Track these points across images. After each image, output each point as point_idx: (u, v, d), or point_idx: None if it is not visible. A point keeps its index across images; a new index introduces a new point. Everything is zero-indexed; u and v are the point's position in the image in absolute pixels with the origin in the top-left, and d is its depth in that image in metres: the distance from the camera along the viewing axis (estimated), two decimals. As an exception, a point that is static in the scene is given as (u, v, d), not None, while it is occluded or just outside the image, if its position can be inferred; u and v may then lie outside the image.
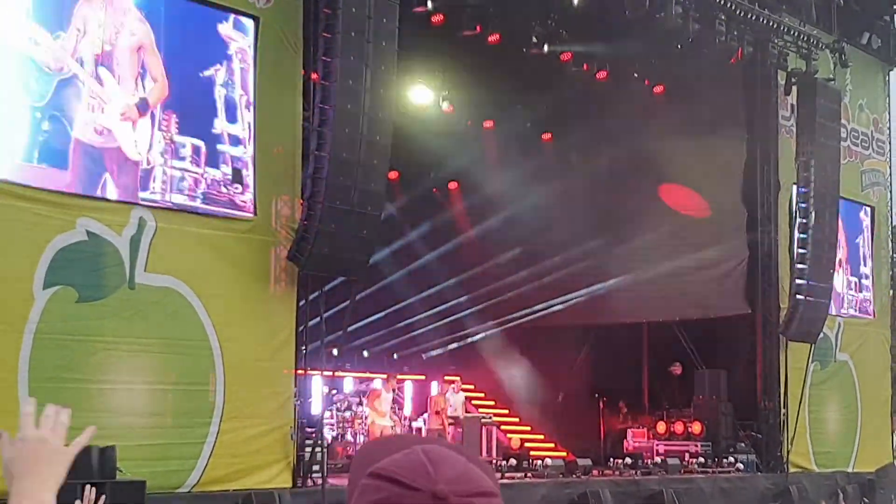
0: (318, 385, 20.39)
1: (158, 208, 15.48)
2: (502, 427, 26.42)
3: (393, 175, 21.42)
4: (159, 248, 15.29)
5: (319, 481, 16.80)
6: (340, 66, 16.42)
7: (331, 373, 20.36)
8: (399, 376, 24.72)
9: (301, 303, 17.18)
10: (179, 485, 15.18)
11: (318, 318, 17.41)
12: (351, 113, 16.53)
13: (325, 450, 17.62)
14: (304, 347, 17.35)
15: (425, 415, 24.02)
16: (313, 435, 17.66)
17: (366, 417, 21.90)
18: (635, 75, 25.40)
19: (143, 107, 15.43)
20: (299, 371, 17.21)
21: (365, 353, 25.60)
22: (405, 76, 17.56)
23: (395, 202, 24.92)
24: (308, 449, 17.11)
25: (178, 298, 15.44)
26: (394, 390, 23.01)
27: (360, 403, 22.30)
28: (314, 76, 16.99)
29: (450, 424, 23.16)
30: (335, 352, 19.95)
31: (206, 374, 15.68)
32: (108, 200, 15.00)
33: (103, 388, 14.68)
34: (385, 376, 23.97)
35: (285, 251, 16.71)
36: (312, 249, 16.46)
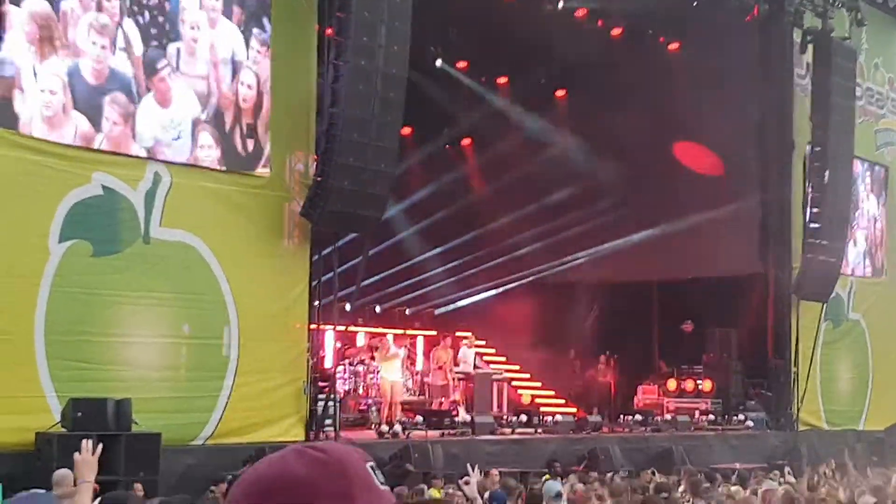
0: (330, 340, 20.52)
1: (174, 163, 15.54)
2: (513, 383, 26.55)
3: (406, 131, 21.41)
4: (174, 203, 15.38)
5: (332, 434, 16.97)
6: (355, 21, 16.41)
7: (343, 328, 20.48)
8: (410, 332, 24.84)
9: (314, 258, 17.28)
10: (194, 437, 15.36)
11: (331, 274, 17.51)
12: (365, 69, 16.53)
13: (337, 403, 17.79)
14: (317, 302, 17.46)
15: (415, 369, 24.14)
16: (326, 389, 17.82)
17: (377, 372, 22.04)
18: (650, 32, 25.29)
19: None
20: (312, 326, 17.33)
21: (377, 309, 25.70)
22: (420, 33, 17.46)
23: (409, 158, 24.92)
24: (321, 403, 17.26)
25: (192, 253, 15.55)
26: (406, 346, 23.12)
27: (373, 358, 22.42)
28: (329, 31, 16.98)
29: (461, 380, 23.26)
30: (348, 307, 20.05)
31: (220, 329, 15.82)
32: (123, 155, 15.06)
33: (118, 342, 14.83)
34: (397, 332, 24.12)
35: (299, 207, 16.79)
36: (326, 205, 16.53)
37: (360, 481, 1.86)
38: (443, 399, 22.87)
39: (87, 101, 14.72)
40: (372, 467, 1.90)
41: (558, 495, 12.47)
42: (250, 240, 16.37)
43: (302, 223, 16.93)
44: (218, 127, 16.16)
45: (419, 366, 24.33)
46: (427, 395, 23.26)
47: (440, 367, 23.16)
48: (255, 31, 16.69)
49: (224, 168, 16.16)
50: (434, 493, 14.15)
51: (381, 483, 1.90)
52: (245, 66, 16.56)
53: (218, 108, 16.20)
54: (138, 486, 12.73)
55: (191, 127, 15.85)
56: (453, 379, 23.17)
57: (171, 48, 15.70)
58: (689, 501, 12.83)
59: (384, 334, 23.60)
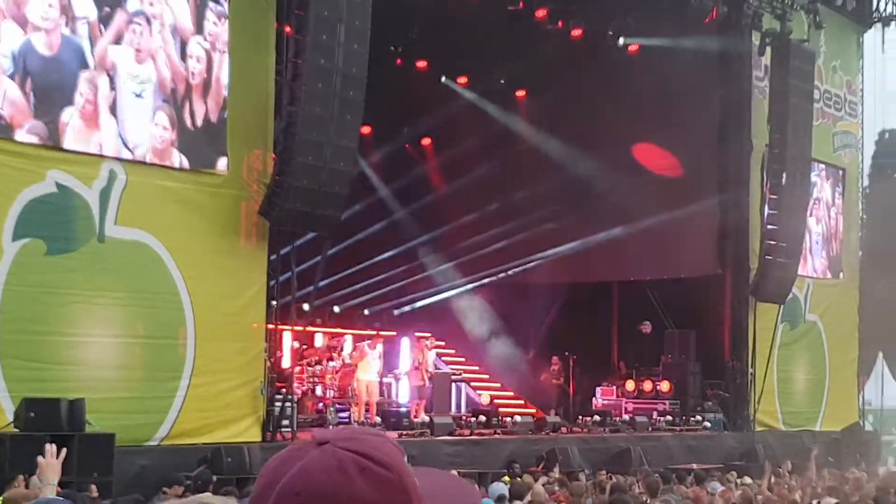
0: (288, 340, 20.41)
1: (129, 161, 15.38)
2: (472, 384, 26.54)
3: (366, 130, 21.34)
4: (130, 202, 15.23)
5: (289, 435, 16.86)
6: (314, 19, 16.33)
7: (301, 328, 20.38)
8: (369, 332, 24.74)
9: (272, 258, 17.17)
10: (149, 438, 15.22)
11: (290, 274, 17.41)
12: (324, 68, 16.45)
13: (294, 404, 17.67)
14: (274, 302, 17.37)
15: (398, 371, 24.05)
16: (283, 390, 17.71)
17: (336, 372, 21.96)
18: (610, 34, 25.33)
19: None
20: (269, 326, 17.22)
21: (336, 309, 25.60)
22: (379, 31, 17.40)
23: (368, 158, 24.84)
24: (278, 403, 17.15)
25: (147, 252, 15.40)
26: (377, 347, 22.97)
27: (331, 359, 22.33)
28: (287, 29, 16.89)
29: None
30: (306, 307, 19.96)
31: (175, 328, 15.68)
32: (77, 153, 14.89)
33: (72, 341, 14.66)
34: (356, 333, 24.05)
35: (257, 206, 16.68)
36: (284, 205, 16.44)
37: (417, 500, 1.66)
38: (417, 400, 22.79)
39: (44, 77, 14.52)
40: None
41: (501, 498, 12.47)
42: (207, 239, 16.24)
43: (260, 222, 16.82)
44: (174, 105, 15.92)
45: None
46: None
47: (416, 368, 23.14)
48: (211, 4, 16.47)
49: (179, 166, 16.00)
50: None
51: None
52: (199, 39, 16.32)
53: (172, 81, 15.98)
54: (93, 487, 12.59)
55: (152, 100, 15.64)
56: (428, 380, 23.09)
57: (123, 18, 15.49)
58: (646, 502, 12.84)
59: (342, 334, 23.52)
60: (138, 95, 15.53)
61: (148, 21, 15.70)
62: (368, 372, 21.44)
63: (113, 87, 15.22)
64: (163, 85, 15.86)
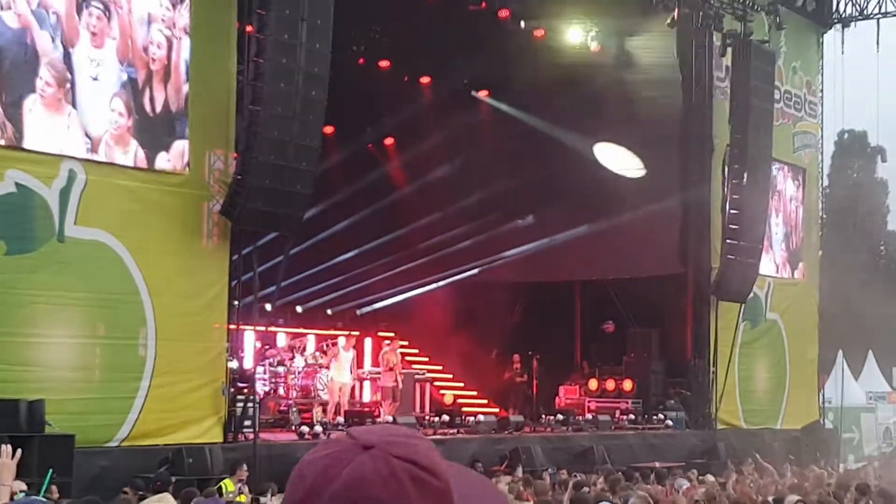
0: (250, 340, 20.33)
1: (89, 161, 15.28)
2: (436, 383, 26.53)
3: (328, 130, 21.28)
4: (89, 201, 15.12)
5: (251, 436, 16.80)
6: (275, 19, 16.29)
7: (264, 328, 20.31)
8: (333, 332, 24.70)
9: (234, 257, 17.10)
10: (109, 439, 15.12)
11: (252, 274, 17.34)
12: (286, 67, 16.41)
13: (257, 405, 17.60)
14: (236, 302, 17.29)
15: (364, 371, 24.03)
16: (245, 390, 17.63)
17: (298, 373, 21.90)
18: (571, 33, 25.40)
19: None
20: (231, 326, 17.15)
21: (298, 309, 25.51)
22: (342, 31, 17.38)
23: (331, 157, 24.77)
24: (240, 404, 17.08)
25: (107, 252, 15.29)
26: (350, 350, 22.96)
27: (293, 359, 22.26)
28: (249, 29, 16.83)
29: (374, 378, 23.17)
30: (268, 307, 19.89)
31: (136, 329, 15.58)
32: (37, 152, 14.78)
33: (32, 342, 14.55)
34: (319, 333, 23.99)
35: (218, 205, 16.60)
36: (246, 204, 16.38)
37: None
38: (390, 401, 22.85)
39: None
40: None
41: None
42: (168, 239, 16.15)
43: (221, 222, 16.75)
44: (132, 91, 15.83)
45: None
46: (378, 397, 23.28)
47: (390, 369, 23.19)
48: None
49: (135, 154, 15.87)
50: (228, 485, 14.16)
51: None
52: (159, 25, 16.24)
53: (131, 66, 15.89)
54: (54, 488, 12.47)
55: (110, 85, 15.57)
56: (401, 381, 23.10)
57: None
58: (609, 500, 12.88)
59: (305, 334, 23.45)
60: (95, 79, 15.40)
61: (106, 6, 15.58)
62: (342, 373, 21.42)
63: (71, 72, 15.10)
64: (121, 70, 15.74)
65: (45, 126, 14.83)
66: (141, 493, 12.76)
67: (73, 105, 15.16)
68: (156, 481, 13.18)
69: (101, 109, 15.49)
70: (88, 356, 15.11)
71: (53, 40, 14.97)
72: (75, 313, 15.03)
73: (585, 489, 13.40)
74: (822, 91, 29.47)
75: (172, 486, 12.92)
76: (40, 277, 14.60)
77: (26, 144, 14.62)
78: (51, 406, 13.85)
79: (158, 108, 16.26)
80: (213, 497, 11.77)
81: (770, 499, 10.93)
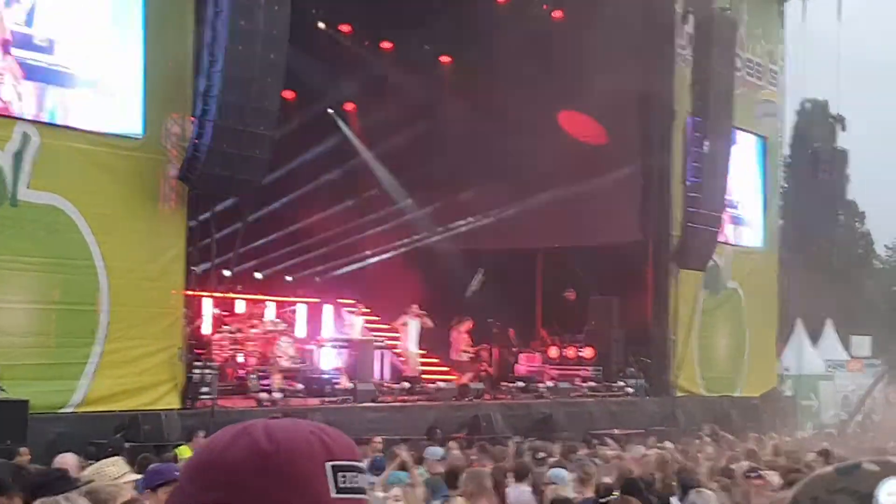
0: (209, 307, 20.16)
1: (43, 123, 15.05)
2: (395, 350, 26.44)
3: (289, 95, 21.08)
4: (43, 165, 14.92)
5: (209, 402, 16.68)
6: (234, -20, 16.06)
7: (221, 294, 20.15)
8: (292, 299, 24.56)
9: (191, 223, 16.92)
10: (63, 404, 14.97)
11: (209, 240, 17.18)
12: (245, 30, 16.21)
13: (215, 371, 17.47)
14: (194, 268, 17.13)
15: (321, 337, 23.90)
16: (203, 356, 17.50)
17: (258, 339, 21.80)
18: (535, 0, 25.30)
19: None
20: (188, 292, 17.00)
21: (257, 276, 25.32)
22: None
23: (290, 122, 24.54)
24: (197, 371, 16.94)
25: (61, 216, 15.10)
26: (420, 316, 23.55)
27: (252, 327, 22.11)
28: (207, -9, 16.59)
29: (343, 347, 23.07)
30: (226, 273, 19.72)
31: (90, 294, 15.40)
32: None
33: (-17, 307, 14.35)
34: (278, 300, 23.84)
35: (175, 170, 16.41)
36: (203, 169, 16.21)
37: (302, 489, 1.54)
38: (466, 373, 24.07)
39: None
40: (337, 467, 1.58)
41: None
42: (123, 203, 15.96)
43: (179, 187, 16.57)
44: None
45: (300, 333, 24.00)
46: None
47: (459, 345, 24.16)
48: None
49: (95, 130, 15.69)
50: (185, 451, 14.07)
51: (345, 489, 1.57)
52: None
53: None
54: (24, 450, 12.32)
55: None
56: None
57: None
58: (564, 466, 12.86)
59: (264, 301, 23.29)
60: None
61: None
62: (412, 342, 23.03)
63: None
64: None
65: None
66: (90, 461, 12.62)
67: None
68: (108, 447, 13.03)
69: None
70: (42, 321, 14.93)
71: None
72: (28, 278, 14.85)
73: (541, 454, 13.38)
74: (783, 60, 29.51)
75: (126, 453, 12.77)
76: (-8, 241, 14.40)
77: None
78: (4, 371, 13.73)
79: (114, 71, 16.02)
80: (169, 463, 11.62)
81: (724, 464, 10.99)
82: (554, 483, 9.07)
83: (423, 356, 27.30)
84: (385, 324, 27.44)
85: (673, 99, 25.25)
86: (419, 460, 12.90)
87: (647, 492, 9.02)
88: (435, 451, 13.57)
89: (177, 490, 1.63)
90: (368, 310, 26.25)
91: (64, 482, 5.73)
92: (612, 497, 8.64)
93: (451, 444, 16.00)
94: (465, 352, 24.51)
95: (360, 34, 26.12)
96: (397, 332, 23.93)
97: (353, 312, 23.88)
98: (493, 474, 9.77)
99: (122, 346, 15.65)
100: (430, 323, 23.76)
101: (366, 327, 24.46)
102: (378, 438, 15.73)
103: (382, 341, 24.84)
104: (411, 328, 23.22)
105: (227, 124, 16.16)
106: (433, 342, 27.47)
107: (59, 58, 15.38)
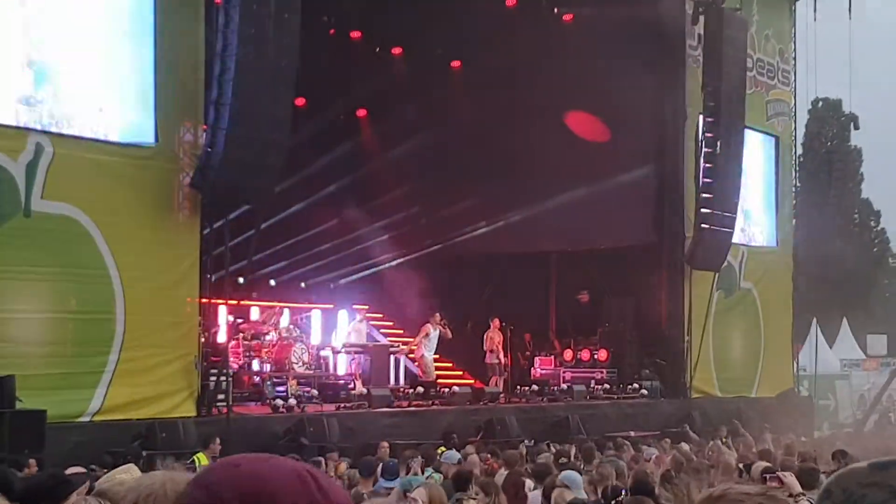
0: (223, 314, 20.20)
1: (56, 134, 15.11)
2: (410, 355, 26.46)
3: (300, 102, 21.12)
4: (57, 175, 14.97)
5: (225, 410, 16.72)
6: (244, -11, 16.12)
7: (236, 302, 20.20)
8: (306, 305, 24.64)
9: (205, 231, 16.97)
10: (80, 413, 15.02)
11: (223, 247, 17.22)
12: (255, 38, 16.24)
13: (230, 378, 17.51)
14: (209, 276, 17.17)
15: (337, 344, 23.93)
16: (218, 364, 17.54)
17: (273, 346, 21.84)
18: (544, 2, 25.28)
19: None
20: (203, 300, 17.04)
21: (272, 283, 25.40)
22: (312, 1, 17.23)
23: (302, 129, 24.60)
24: (213, 378, 16.99)
25: (74, 226, 15.15)
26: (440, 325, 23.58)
27: (266, 333, 22.16)
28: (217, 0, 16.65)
29: (356, 353, 23.11)
30: (241, 281, 19.76)
31: (106, 303, 15.45)
32: (3, 126, 14.61)
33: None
34: (292, 306, 23.88)
35: (189, 178, 16.47)
36: (216, 177, 16.25)
37: None
38: (496, 377, 24.17)
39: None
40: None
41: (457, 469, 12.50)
42: (137, 212, 16.02)
43: (192, 195, 16.62)
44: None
45: (314, 339, 24.07)
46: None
47: (492, 349, 24.31)
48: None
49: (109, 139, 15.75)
50: (202, 458, 14.12)
51: None
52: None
53: None
54: (32, 461, 12.39)
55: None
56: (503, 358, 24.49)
57: None
58: (581, 466, 12.87)
59: (279, 308, 23.34)
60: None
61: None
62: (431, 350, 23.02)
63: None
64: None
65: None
66: (106, 470, 12.67)
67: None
68: (126, 455, 13.08)
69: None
70: (57, 331, 14.99)
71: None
72: (43, 288, 14.90)
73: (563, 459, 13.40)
74: (794, 59, 29.45)
75: (143, 461, 12.84)
76: (6, 253, 14.47)
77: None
78: (21, 382, 13.76)
79: (127, 81, 16.09)
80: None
81: (740, 465, 10.97)
82: (565, 486, 9.05)
83: (436, 360, 27.39)
84: (399, 328, 27.50)
85: (685, 100, 25.24)
86: (433, 465, 12.93)
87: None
88: (451, 456, 13.59)
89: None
90: (381, 314, 26.31)
91: (64, 486, 5.72)
92: (623, 498, 8.64)
93: (468, 448, 16.00)
94: (492, 351, 24.63)
95: (370, 40, 26.13)
96: (414, 341, 23.85)
97: (359, 318, 23.87)
98: (510, 478, 9.78)
99: (137, 354, 15.70)
100: (449, 334, 23.76)
101: (370, 332, 24.52)
102: (385, 444, 15.84)
103: (397, 346, 24.87)
104: (432, 337, 23.26)
105: (240, 132, 16.20)
106: (448, 346, 27.52)
107: (72, 68, 15.42)
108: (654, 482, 9.39)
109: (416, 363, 23.78)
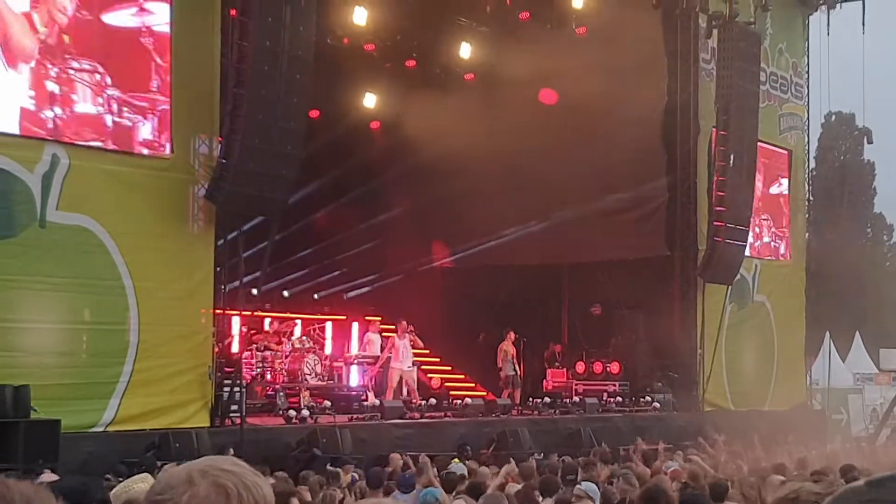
0: (237, 325, 20.27)
1: (72, 145, 15.20)
2: (423, 367, 26.49)
3: (314, 114, 21.19)
4: (72, 186, 15.05)
5: (238, 420, 16.76)
6: (259, 1, 16.21)
7: (250, 313, 20.26)
8: (320, 317, 24.68)
9: (219, 242, 17.03)
10: (94, 423, 15.08)
11: (237, 258, 17.28)
12: (270, 50, 16.34)
13: (243, 389, 17.56)
14: (223, 287, 17.23)
15: (350, 354, 23.96)
16: (232, 374, 17.59)
17: (285, 356, 21.87)
18: (557, 15, 25.32)
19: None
20: (217, 311, 17.10)
21: (285, 294, 25.45)
22: (326, 13, 17.32)
23: (316, 141, 24.66)
24: (226, 388, 17.03)
25: (89, 237, 15.23)
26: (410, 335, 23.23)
27: (279, 343, 22.22)
28: (233, 12, 16.74)
29: (368, 364, 23.14)
30: (254, 292, 19.82)
31: (120, 314, 15.52)
32: (19, 136, 14.70)
33: (15, 328, 14.50)
34: (305, 317, 23.91)
35: (203, 190, 16.54)
36: (231, 188, 16.32)
37: None
38: (510, 388, 24.44)
39: None
40: None
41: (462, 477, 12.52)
42: (152, 223, 16.09)
43: (207, 206, 16.69)
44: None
45: (327, 350, 24.12)
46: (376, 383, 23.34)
47: (505, 360, 24.59)
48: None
49: (125, 150, 15.83)
50: None
51: None
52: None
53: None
54: (47, 471, 12.41)
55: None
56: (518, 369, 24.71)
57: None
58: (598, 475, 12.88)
59: (292, 319, 23.40)
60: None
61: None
62: (406, 362, 22.54)
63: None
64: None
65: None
66: (121, 479, 12.71)
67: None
68: (140, 465, 13.13)
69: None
70: (72, 341, 15.06)
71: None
72: (58, 299, 14.97)
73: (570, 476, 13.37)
74: (808, 73, 29.45)
75: (157, 471, 12.87)
76: (22, 263, 14.54)
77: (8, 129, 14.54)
78: (36, 392, 13.82)
79: (143, 93, 16.18)
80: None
81: (756, 478, 10.98)
82: (587, 496, 9.07)
83: (448, 372, 27.42)
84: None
85: (698, 113, 25.26)
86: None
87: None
88: (458, 468, 13.60)
89: None
90: (393, 326, 26.30)
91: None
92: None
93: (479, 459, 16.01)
94: (507, 363, 24.69)
95: (384, 52, 26.19)
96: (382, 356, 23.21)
97: (372, 330, 23.87)
98: (523, 491, 9.80)
99: (151, 364, 15.76)
100: (420, 342, 23.52)
101: (383, 344, 24.49)
102: (396, 455, 15.85)
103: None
104: (401, 347, 22.67)
105: (254, 144, 16.28)
106: (460, 358, 27.56)
107: (88, 78, 15.51)
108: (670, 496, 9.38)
109: (392, 377, 22.80)
